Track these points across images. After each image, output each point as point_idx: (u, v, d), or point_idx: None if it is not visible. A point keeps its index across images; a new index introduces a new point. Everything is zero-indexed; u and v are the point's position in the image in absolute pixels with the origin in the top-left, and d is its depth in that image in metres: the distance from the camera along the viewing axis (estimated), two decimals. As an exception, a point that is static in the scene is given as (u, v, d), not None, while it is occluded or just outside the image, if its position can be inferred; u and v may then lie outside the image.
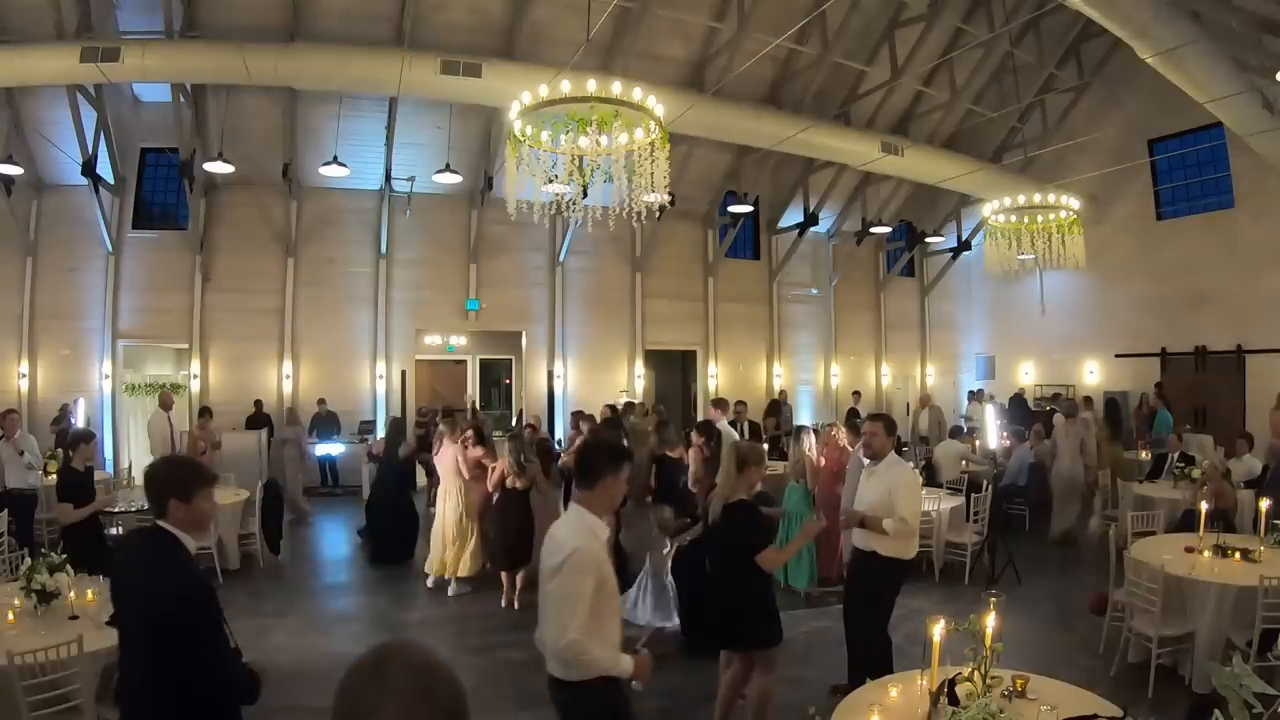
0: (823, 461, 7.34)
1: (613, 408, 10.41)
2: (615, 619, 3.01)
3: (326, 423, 12.80)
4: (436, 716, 1.10)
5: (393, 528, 8.53)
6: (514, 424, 13.02)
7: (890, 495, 4.63)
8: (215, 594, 2.54)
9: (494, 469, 7.19)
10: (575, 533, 2.85)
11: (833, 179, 15.21)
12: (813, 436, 7.42)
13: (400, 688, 1.10)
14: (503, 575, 7.04)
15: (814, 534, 4.89)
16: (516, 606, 6.80)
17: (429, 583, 7.56)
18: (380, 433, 11.71)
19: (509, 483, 6.96)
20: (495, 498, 7.11)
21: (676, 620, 5.61)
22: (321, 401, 12.91)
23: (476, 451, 7.50)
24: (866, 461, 4.99)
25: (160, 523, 2.58)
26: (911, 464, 6.95)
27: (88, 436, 6.41)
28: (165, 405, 10.19)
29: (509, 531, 6.85)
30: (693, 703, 4.93)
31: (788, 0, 12.01)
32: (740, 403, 11.52)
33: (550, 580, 2.82)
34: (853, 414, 13.27)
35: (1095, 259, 12.97)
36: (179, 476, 2.65)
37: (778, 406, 14.69)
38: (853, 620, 4.89)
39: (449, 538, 7.40)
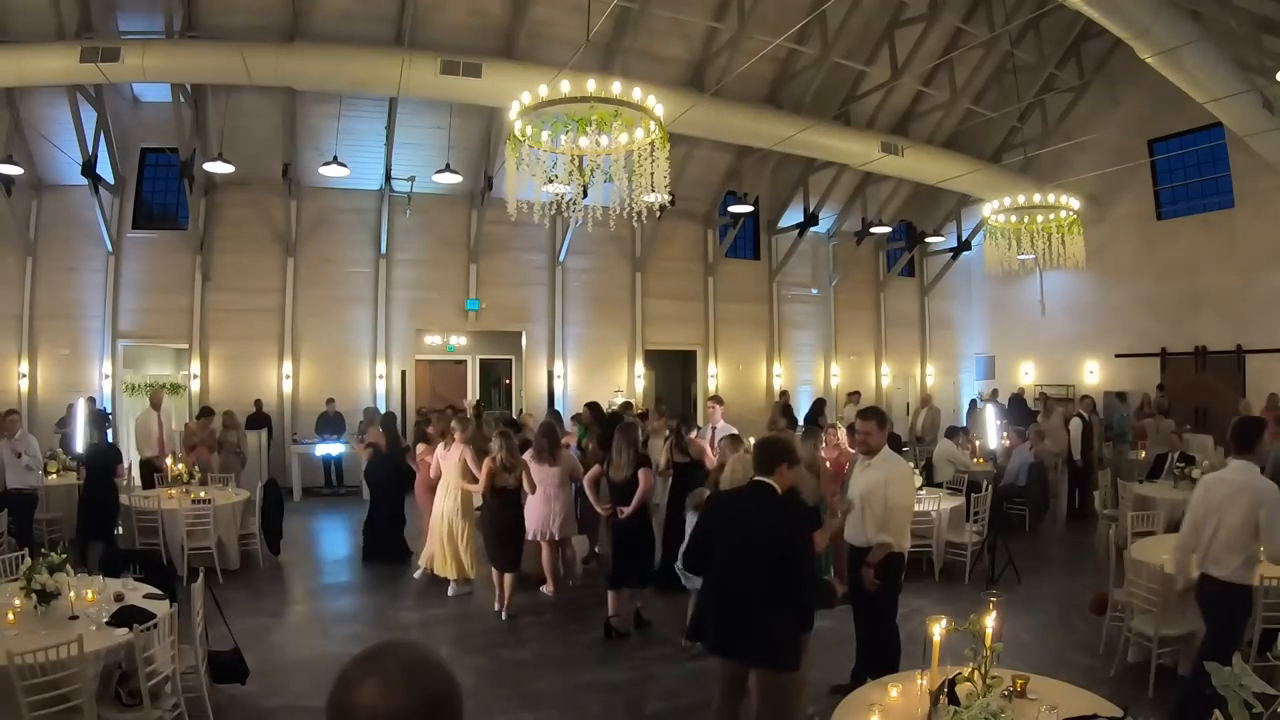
0: (827, 465, 7.29)
1: (595, 405, 9.73)
2: None
3: (333, 423, 12.78)
4: (423, 704, 1.11)
5: (392, 526, 8.55)
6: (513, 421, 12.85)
7: (885, 485, 4.64)
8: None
9: (484, 471, 6.80)
10: None
11: (833, 179, 15.20)
12: (823, 437, 7.20)
13: (390, 667, 1.12)
14: (494, 579, 6.81)
15: (835, 529, 4.78)
16: (505, 615, 6.60)
17: (416, 575, 7.58)
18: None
19: (497, 482, 6.71)
20: (485, 500, 6.83)
21: None
22: (330, 401, 12.90)
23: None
24: (861, 457, 5.00)
25: (764, 478, 3.67)
26: (911, 464, 6.96)
27: None
28: (155, 404, 10.22)
29: (500, 534, 6.67)
30: (696, 703, 4.93)
31: (788, 0, 12.03)
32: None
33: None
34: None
35: (1095, 259, 12.96)
36: (791, 447, 3.88)
37: (821, 405, 13.54)
38: (862, 617, 4.90)
39: (444, 535, 7.28)
